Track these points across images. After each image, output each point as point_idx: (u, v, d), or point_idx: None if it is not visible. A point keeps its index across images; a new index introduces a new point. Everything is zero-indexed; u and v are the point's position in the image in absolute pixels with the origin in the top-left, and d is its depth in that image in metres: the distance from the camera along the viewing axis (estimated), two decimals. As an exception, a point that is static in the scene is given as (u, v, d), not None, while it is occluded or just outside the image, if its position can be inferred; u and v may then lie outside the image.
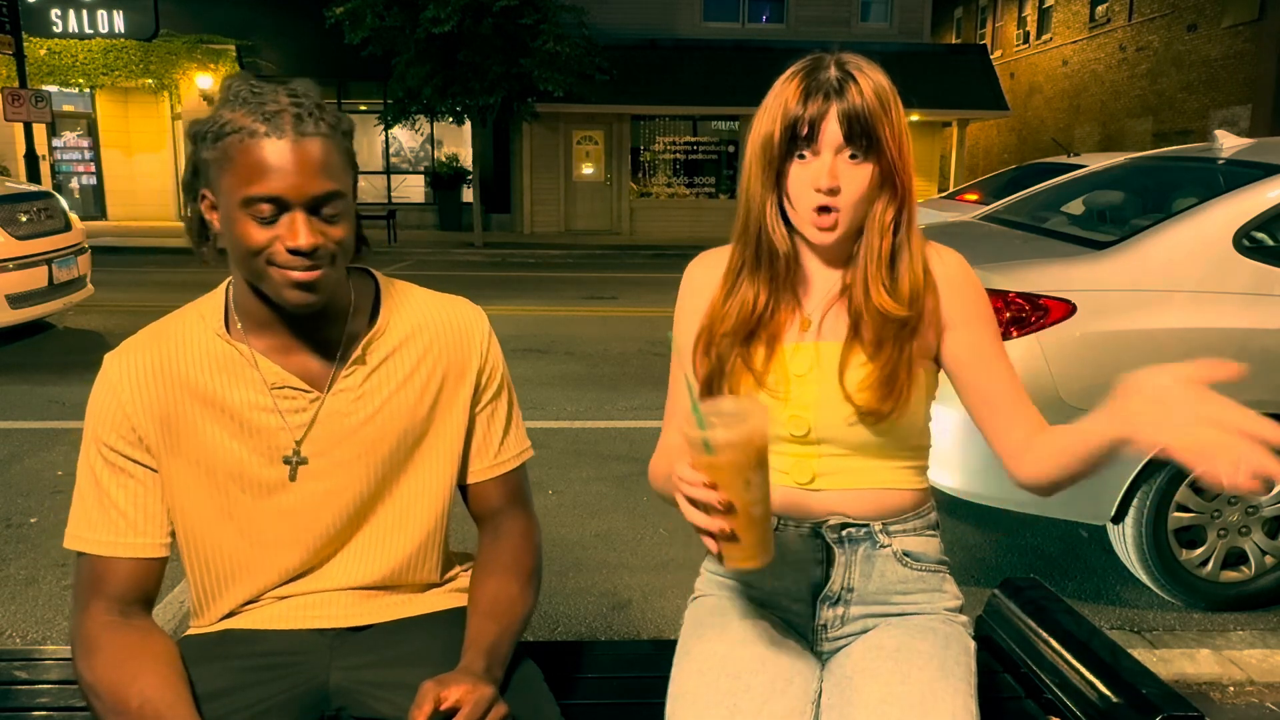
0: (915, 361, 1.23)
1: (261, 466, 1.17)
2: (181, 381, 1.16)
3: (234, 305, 1.18)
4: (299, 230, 1.05)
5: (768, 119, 1.20)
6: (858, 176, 1.18)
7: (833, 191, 1.18)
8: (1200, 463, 0.89)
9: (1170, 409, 0.93)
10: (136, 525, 1.15)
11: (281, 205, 1.05)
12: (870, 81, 1.17)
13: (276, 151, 1.03)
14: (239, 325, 1.17)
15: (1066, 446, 1.13)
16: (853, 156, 1.17)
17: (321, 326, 1.18)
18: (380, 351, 1.21)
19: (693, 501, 1.03)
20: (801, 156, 1.19)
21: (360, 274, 1.26)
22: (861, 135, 1.16)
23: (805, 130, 1.17)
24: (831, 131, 1.16)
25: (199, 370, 1.16)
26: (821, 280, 1.29)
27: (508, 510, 1.32)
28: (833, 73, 1.17)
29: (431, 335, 1.25)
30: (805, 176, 1.19)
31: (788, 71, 1.21)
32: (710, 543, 1.05)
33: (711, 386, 1.27)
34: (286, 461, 1.17)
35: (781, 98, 1.19)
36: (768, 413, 1.07)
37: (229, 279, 1.20)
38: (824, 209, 1.19)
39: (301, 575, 1.23)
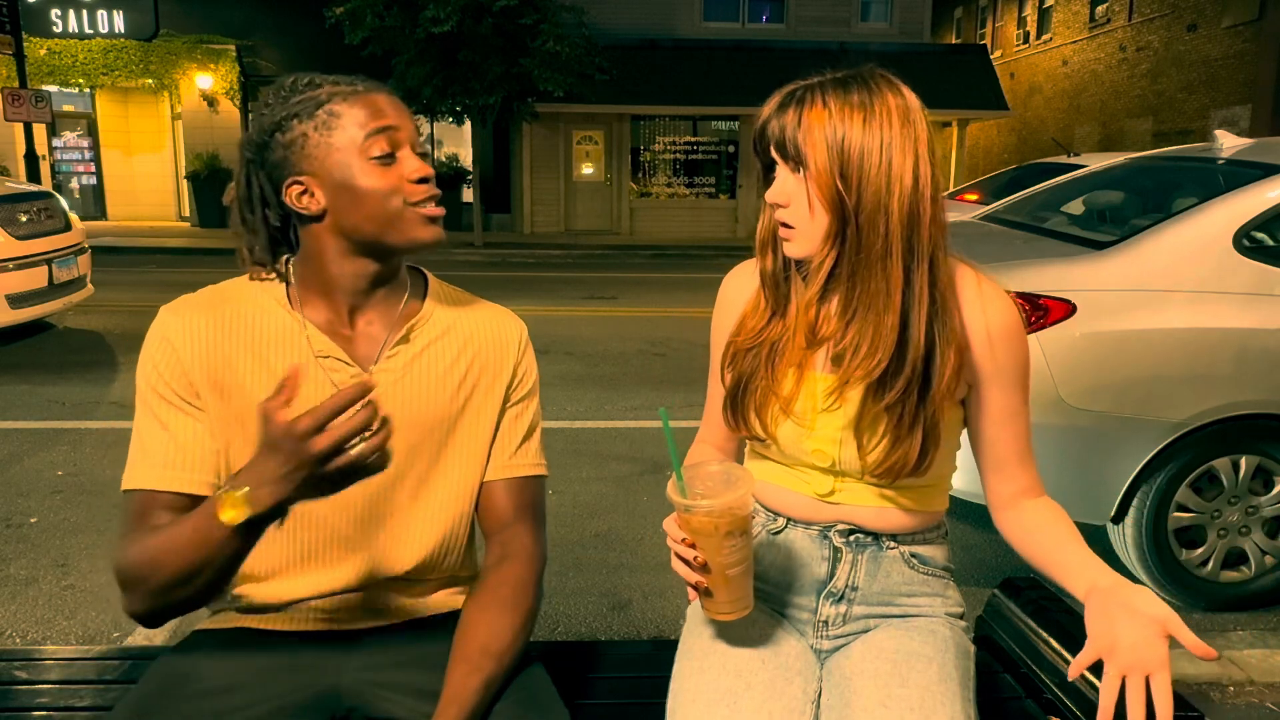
0: (940, 416, 1.18)
1: None
2: (234, 342, 1.18)
3: (295, 278, 1.22)
4: (417, 162, 1.16)
5: None
6: (800, 193, 1.15)
7: (778, 205, 1.17)
8: (1098, 650, 1.01)
9: (1126, 622, 1.01)
10: (189, 459, 1.16)
11: (395, 143, 1.15)
12: (828, 107, 1.12)
13: (384, 100, 1.17)
14: (298, 296, 1.21)
15: (1044, 550, 1.21)
16: (795, 172, 1.15)
17: (378, 304, 1.22)
18: (424, 337, 1.24)
19: (677, 553, 1.11)
20: (774, 168, 1.18)
21: (411, 269, 1.30)
22: (792, 153, 1.13)
23: (758, 142, 1.19)
24: (764, 144, 1.17)
25: (252, 333, 1.19)
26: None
27: (517, 527, 1.27)
28: (805, 87, 1.15)
29: (472, 332, 1.27)
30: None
31: None
32: (690, 591, 1.13)
33: (735, 403, 1.27)
34: None
35: None
36: (752, 482, 1.09)
37: (285, 256, 1.24)
38: (782, 222, 1.18)
39: (326, 562, 1.22)
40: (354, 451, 0.94)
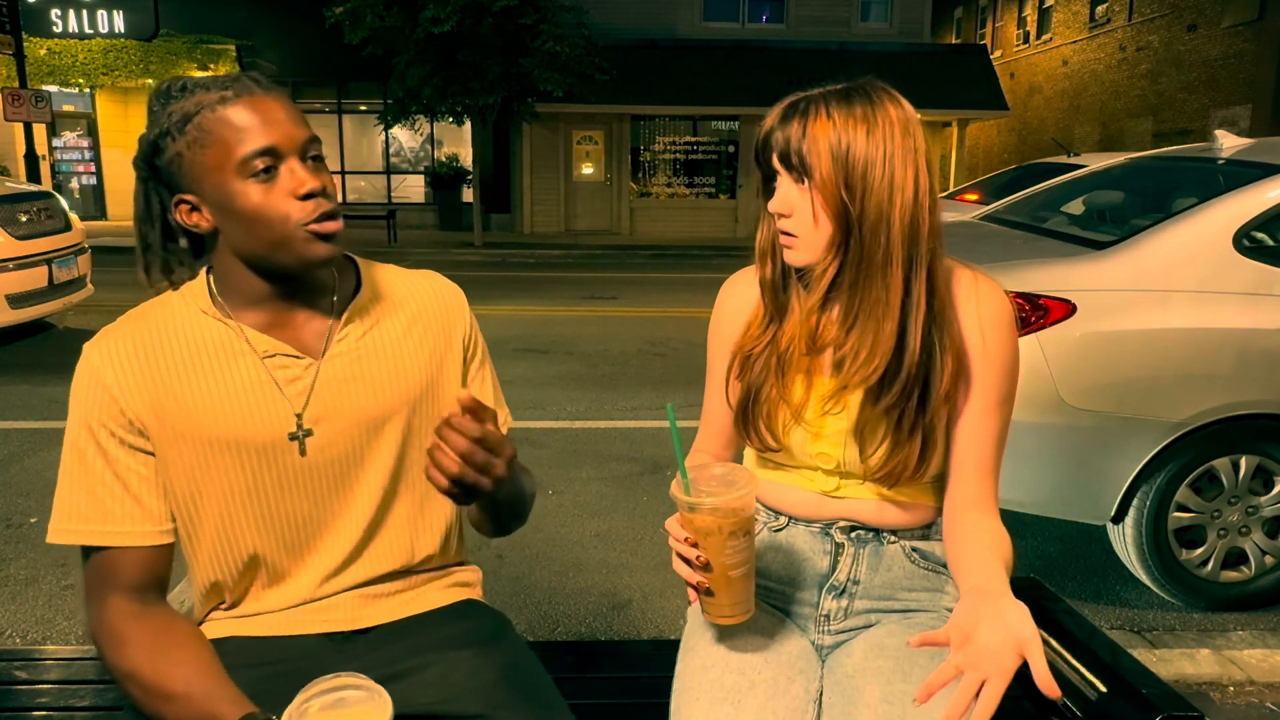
0: (938, 422, 1.20)
1: (263, 441, 1.15)
2: (169, 361, 1.13)
3: (217, 288, 1.16)
4: (303, 175, 1.06)
5: None
6: (804, 203, 1.17)
7: (781, 215, 1.18)
8: (950, 636, 0.98)
9: (990, 626, 0.97)
10: (136, 513, 1.13)
11: (275, 156, 1.05)
12: (833, 119, 1.13)
13: (256, 107, 1.05)
14: (224, 305, 1.16)
15: (963, 562, 1.18)
16: (799, 182, 1.17)
17: (309, 299, 1.17)
18: (370, 315, 1.21)
19: (679, 553, 1.10)
20: (775, 178, 1.20)
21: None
22: (796, 164, 1.15)
23: (760, 152, 1.19)
24: (767, 154, 1.18)
25: (186, 347, 1.14)
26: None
27: None
28: (808, 98, 1.17)
29: (417, 302, 1.26)
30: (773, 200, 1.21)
31: None
32: (691, 593, 1.13)
33: (746, 415, 1.27)
34: (293, 437, 1.15)
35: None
36: (756, 483, 1.10)
37: (205, 268, 1.19)
38: (784, 231, 1.20)
39: (321, 558, 1.21)
40: None
